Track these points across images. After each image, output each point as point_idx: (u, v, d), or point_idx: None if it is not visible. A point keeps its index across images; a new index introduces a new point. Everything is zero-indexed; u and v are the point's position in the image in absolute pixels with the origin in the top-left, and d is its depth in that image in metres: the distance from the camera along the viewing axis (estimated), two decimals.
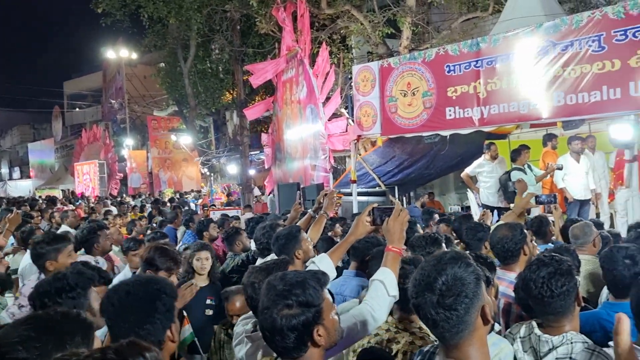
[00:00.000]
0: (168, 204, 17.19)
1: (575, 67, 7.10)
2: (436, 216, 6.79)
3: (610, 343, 2.35)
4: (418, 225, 5.53)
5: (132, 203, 20.82)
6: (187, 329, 3.43)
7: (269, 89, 17.82)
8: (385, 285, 2.20)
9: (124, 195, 28.50)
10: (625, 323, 0.79)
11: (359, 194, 10.47)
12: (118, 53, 30.25)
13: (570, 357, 2.12)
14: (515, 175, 8.19)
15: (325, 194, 4.32)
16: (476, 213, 8.90)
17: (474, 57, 8.13)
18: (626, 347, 0.76)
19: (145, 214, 14.41)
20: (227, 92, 22.79)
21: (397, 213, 2.39)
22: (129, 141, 33.42)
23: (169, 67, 23.62)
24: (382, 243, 3.47)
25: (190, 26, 18.97)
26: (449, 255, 1.70)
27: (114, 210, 14.81)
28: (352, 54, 15.58)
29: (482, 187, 9.28)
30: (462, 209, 11.97)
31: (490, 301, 1.73)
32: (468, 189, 10.01)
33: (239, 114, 19.05)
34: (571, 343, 2.15)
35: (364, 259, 3.64)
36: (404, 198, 13.87)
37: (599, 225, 5.16)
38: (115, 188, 32.38)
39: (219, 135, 26.55)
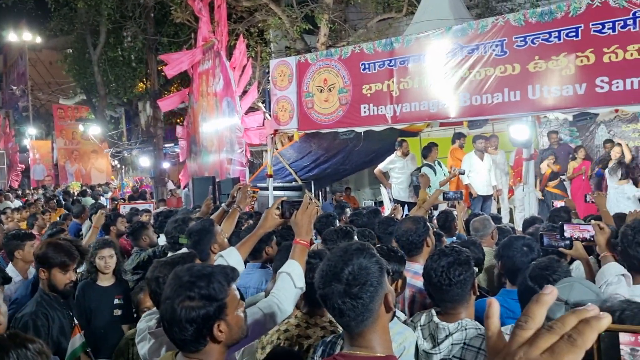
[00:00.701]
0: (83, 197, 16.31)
1: (480, 70, 7.49)
2: (348, 210, 6.94)
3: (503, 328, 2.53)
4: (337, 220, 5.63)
5: (36, 196, 19.57)
6: (78, 339, 3.15)
7: (184, 80, 17.39)
8: (292, 277, 2.22)
9: (26, 188, 26.72)
10: (494, 307, 0.85)
11: (275, 188, 10.48)
12: (20, 36, 28.26)
13: (465, 343, 2.25)
14: (426, 172, 8.54)
15: (239, 188, 4.29)
16: (388, 208, 9.19)
17: (387, 57, 8.37)
18: (495, 330, 0.82)
19: (48, 207, 13.58)
20: (140, 82, 21.95)
21: (305, 206, 2.43)
22: (31, 130, 31.39)
23: (77, 53, 22.38)
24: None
25: (100, 11, 18.09)
26: (355, 247, 1.75)
27: (16, 203, 13.83)
28: (269, 48, 15.52)
29: (394, 182, 9.58)
30: (375, 204, 12.29)
31: (392, 290, 1.79)
32: (381, 185, 10.30)
33: (153, 104, 18.42)
34: (465, 329, 2.28)
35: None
36: (320, 193, 14.05)
37: (498, 219, 5.49)
38: (16, 180, 30.31)
39: (130, 127, 25.51)
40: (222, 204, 4.57)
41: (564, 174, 9.53)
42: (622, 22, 6.33)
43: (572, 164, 9.23)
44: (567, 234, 3.24)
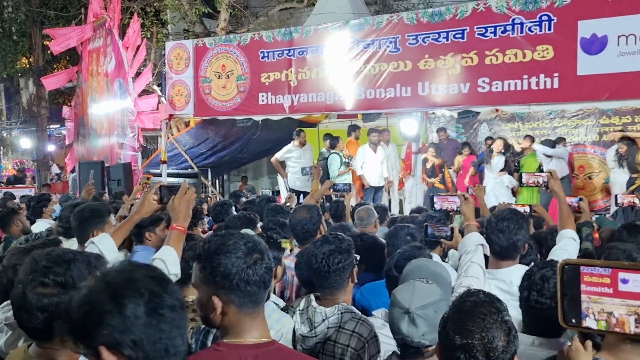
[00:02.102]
0: None
1: (375, 65, 7.73)
2: (243, 199, 6.90)
3: (375, 312, 2.62)
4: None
5: None
6: None
7: (73, 57, 16.26)
8: (166, 263, 2.17)
9: None
10: None
11: (170, 175, 10.17)
12: None
13: (340, 326, 2.32)
14: (334, 159, 8.73)
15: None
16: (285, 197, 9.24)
17: (287, 46, 8.38)
18: None
19: None
20: (22, 57, 20.22)
21: (183, 192, 2.38)
22: None
23: None
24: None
25: None
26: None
27: None
28: (166, 29, 14.95)
29: (290, 172, 9.65)
30: (272, 192, 12.32)
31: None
32: (278, 174, 10.34)
33: (36, 82, 17.07)
34: (341, 313, 2.35)
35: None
36: (217, 181, 13.83)
37: (384, 209, 5.72)
38: None
39: (11, 105, 23.47)
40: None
41: (448, 167, 10.10)
42: (502, 28, 6.81)
43: (458, 158, 9.81)
44: (437, 206, 3.47)
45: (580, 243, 3.12)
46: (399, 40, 7.50)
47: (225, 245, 1.59)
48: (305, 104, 8.31)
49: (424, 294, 1.96)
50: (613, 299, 0.80)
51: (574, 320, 0.80)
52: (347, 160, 8.83)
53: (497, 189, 9.11)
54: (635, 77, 6.20)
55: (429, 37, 7.30)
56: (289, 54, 8.38)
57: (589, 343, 1.40)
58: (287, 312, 2.55)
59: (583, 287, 0.81)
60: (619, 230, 4.08)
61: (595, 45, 6.38)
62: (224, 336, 1.62)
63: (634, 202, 4.48)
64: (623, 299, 0.80)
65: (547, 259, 2.52)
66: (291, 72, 8.33)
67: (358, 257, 2.58)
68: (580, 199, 4.89)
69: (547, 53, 6.63)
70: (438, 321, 1.68)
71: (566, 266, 0.80)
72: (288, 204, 6.51)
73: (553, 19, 6.54)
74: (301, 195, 8.77)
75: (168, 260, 2.17)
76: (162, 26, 14.81)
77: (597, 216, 7.86)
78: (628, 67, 6.21)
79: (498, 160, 9.25)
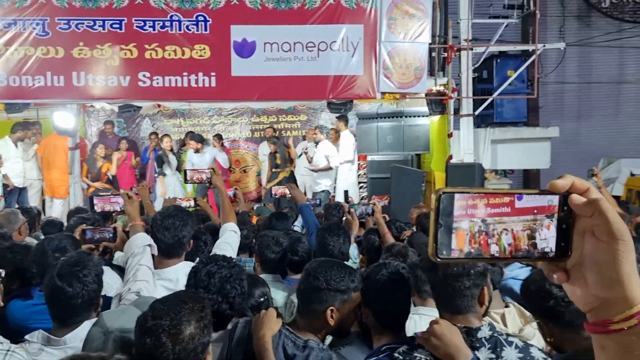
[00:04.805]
0: None
1: (20, 48, 6.77)
2: None
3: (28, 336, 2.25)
4: None
5: None
6: None
7: None
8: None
9: None
10: None
11: None
12: None
13: None
14: None
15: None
16: None
17: None
18: None
19: None
20: None
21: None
22: None
23: None
24: None
25: None
26: None
27: None
28: None
29: None
30: None
31: None
32: None
33: None
34: None
35: None
36: None
37: (39, 213, 5.07)
38: None
39: None
40: None
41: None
42: (161, 23, 6.79)
43: (116, 154, 9.42)
44: (97, 208, 3.23)
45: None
46: (48, 23, 6.73)
47: None
48: None
49: (131, 319, 1.76)
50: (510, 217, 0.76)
51: (444, 252, 0.73)
52: None
53: (175, 184, 9.09)
54: (279, 81, 7.02)
55: (84, 23, 6.76)
56: None
57: None
58: None
59: (461, 212, 0.74)
60: (270, 217, 4.56)
61: (246, 49, 6.97)
62: None
63: (284, 193, 5.05)
64: (518, 215, 0.76)
65: (211, 254, 2.58)
66: None
67: (3, 272, 2.17)
68: (236, 189, 5.27)
69: (205, 52, 6.92)
70: None
71: (442, 194, 0.73)
72: None
73: (209, 20, 6.86)
74: None
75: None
76: None
77: (258, 205, 8.68)
78: (273, 71, 6.99)
79: (173, 157, 9.23)
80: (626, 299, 0.67)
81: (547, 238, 0.72)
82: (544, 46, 8.71)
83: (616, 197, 8.21)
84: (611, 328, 0.68)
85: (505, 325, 2.14)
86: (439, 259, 0.71)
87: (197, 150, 8.75)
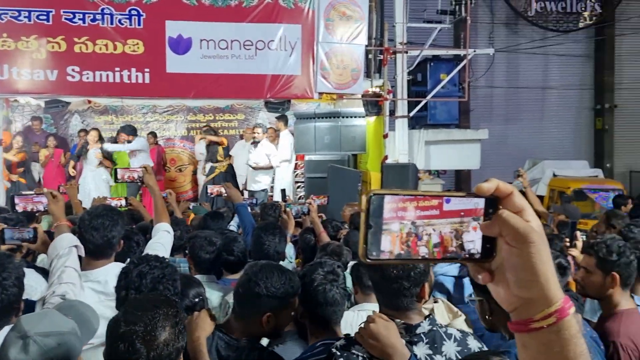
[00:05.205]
0: None
1: None
2: None
3: None
4: None
5: None
6: None
7: None
8: None
9: None
10: None
11: None
12: None
13: None
14: None
15: None
16: None
17: None
18: None
19: None
20: None
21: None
22: None
23: None
24: None
25: None
26: None
27: None
28: None
29: None
30: None
31: None
32: None
33: None
34: None
35: None
36: None
37: None
38: None
39: None
40: None
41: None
42: (92, 16, 6.55)
43: (43, 152, 9.00)
44: (18, 208, 3.11)
45: None
46: None
47: None
48: None
49: (53, 323, 1.68)
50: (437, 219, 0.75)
51: (374, 254, 0.71)
52: None
53: (97, 182, 8.74)
54: (216, 78, 6.94)
55: (7, 13, 6.41)
56: None
57: None
58: None
59: (391, 214, 0.73)
60: (205, 216, 4.50)
61: (182, 45, 6.83)
62: None
63: (220, 192, 4.99)
64: (447, 217, 0.75)
65: (143, 254, 2.52)
66: None
67: None
68: (169, 193, 5.15)
69: (138, 48, 6.73)
70: (57, 356, 1.55)
71: (373, 196, 0.71)
72: None
73: (142, 15, 6.67)
74: None
75: None
76: None
77: (194, 204, 8.49)
78: (210, 69, 6.89)
79: (93, 153, 8.87)
80: (545, 298, 0.70)
81: (474, 240, 0.74)
82: (475, 51, 9.05)
83: (540, 197, 8.66)
84: (532, 327, 0.71)
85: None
86: (368, 260, 0.72)
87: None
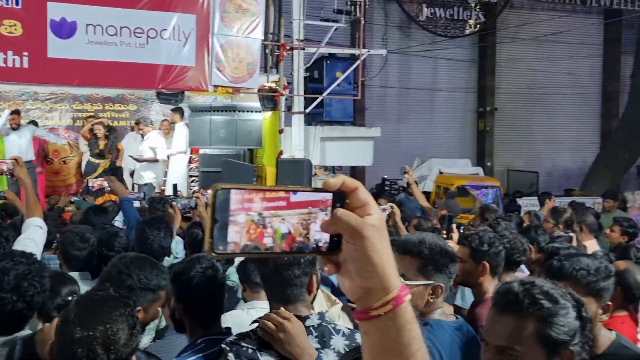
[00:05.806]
0: None
1: None
2: None
3: None
4: None
5: None
6: None
7: None
8: None
9: None
10: None
11: None
12: None
13: None
14: None
15: None
16: None
17: None
18: None
19: None
20: None
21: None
22: None
23: None
24: None
25: None
26: None
27: None
28: None
29: None
30: None
31: None
32: None
33: None
34: None
35: None
36: None
37: None
38: None
39: None
40: None
41: None
42: None
43: None
44: None
45: None
46: None
47: None
48: None
49: None
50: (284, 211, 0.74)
51: (221, 247, 0.68)
52: None
53: None
54: (102, 65, 6.59)
55: None
56: None
57: None
58: None
59: (238, 207, 0.70)
60: (86, 211, 4.29)
61: (66, 29, 6.41)
62: None
63: (102, 186, 4.79)
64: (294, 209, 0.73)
65: (11, 249, 2.36)
66: None
67: None
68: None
69: (16, 29, 6.23)
70: None
71: (219, 190, 0.68)
72: None
73: None
74: None
75: None
76: None
77: (76, 198, 8.02)
78: (96, 55, 6.53)
79: None
80: (383, 287, 0.75)
81: (321, 232, 0.77)
82: (369, 51, 9.35)
83: (426, 193, 9.15)
84: (371, 314, 0.75)
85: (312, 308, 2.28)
86: (214, 254, 0.73)
87: (15, 128, 7.95)
